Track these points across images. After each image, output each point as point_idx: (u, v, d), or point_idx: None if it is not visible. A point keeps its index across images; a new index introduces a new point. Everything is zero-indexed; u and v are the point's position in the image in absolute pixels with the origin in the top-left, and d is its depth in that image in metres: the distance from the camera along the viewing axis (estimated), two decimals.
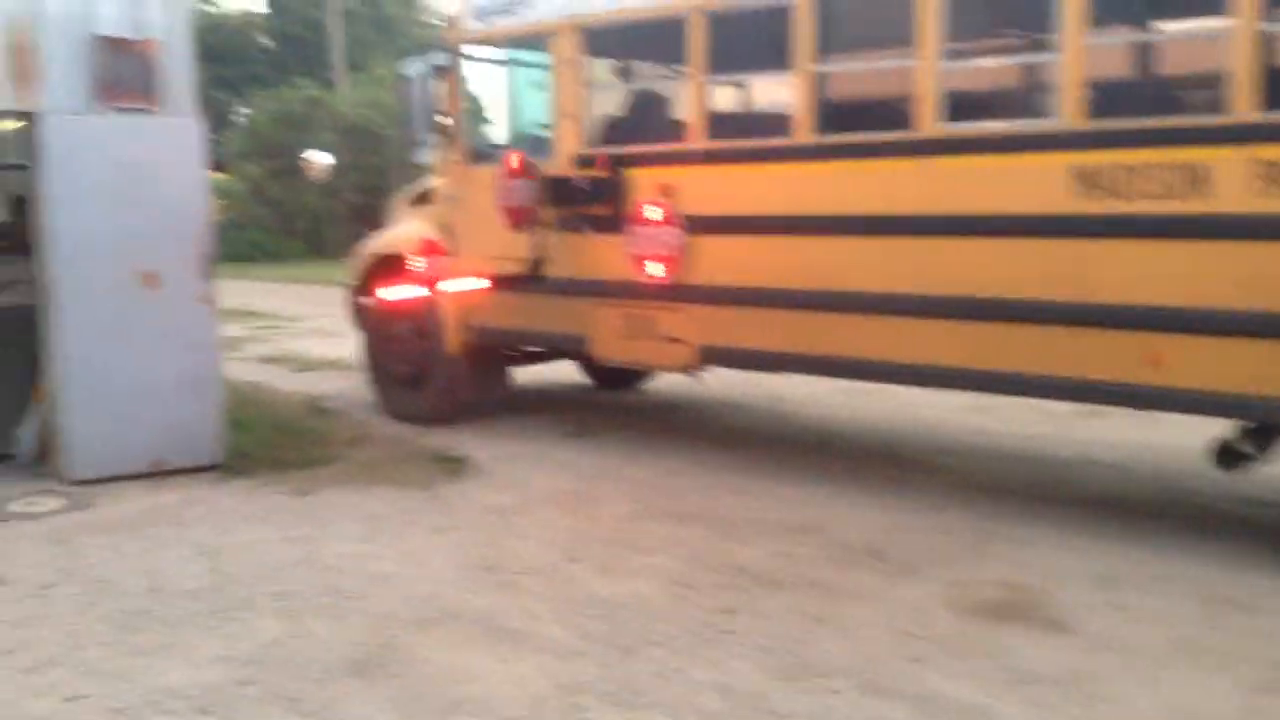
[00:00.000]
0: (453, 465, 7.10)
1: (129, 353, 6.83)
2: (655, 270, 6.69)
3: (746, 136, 6.47)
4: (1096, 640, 4.34)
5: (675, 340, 6.77)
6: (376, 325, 8.56)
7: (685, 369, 6.89)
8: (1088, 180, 5.05)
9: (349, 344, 10.31)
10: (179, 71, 7.05)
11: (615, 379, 9.48)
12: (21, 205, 7.32)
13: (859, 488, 6.43)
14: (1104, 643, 4.32)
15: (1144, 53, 6.20)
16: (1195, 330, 4.84)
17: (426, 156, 8.14)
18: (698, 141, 6.51)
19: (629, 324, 6.98)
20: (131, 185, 6.80)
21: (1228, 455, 5.47)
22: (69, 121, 6.66)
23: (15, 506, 6.33)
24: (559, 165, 7.15)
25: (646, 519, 5.95)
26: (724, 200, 6.40)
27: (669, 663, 4.16)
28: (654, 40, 6.94)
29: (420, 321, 8.20)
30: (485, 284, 7.64)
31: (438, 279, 8.00)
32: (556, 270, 7.20)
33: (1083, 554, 5.28)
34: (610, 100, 7.34)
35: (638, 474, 6.84)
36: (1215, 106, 4.78)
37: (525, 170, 7.09)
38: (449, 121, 7.85)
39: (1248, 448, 5.36)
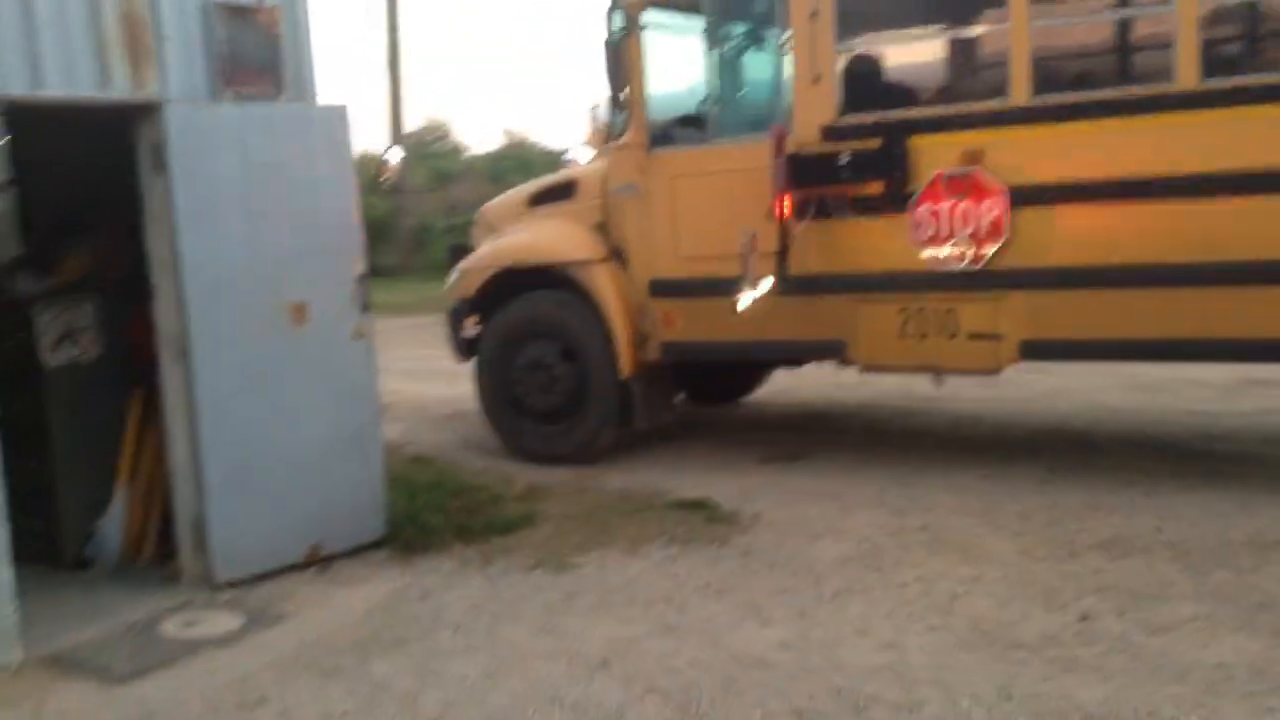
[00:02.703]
0: (706, 512, 5.76)
1: (276, 409, 5.18)
2: (959, 254, 5.59)
3: (1081, 86, 5.46)
4: None
5: (984, 336, 5.69)
6: (501, 351, 7.05)
7: (993, 369, 5.81)
8: None
9: (440, 384, 8.76)
10: (302, 46, 5.44)
11: (712, 392, 8.27)
12: (63, 230, 5.58)
13: (1181, 484, 5.57)
14: None
15: None
16: None
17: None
18: (1023, 97, 5.46)
19: (911, 322, 5.84)
20: (271, 193, 5.16)
21: None
22: (199, 114, 4.97)
23: (172, 629, 4.62)
24: (803, 140, 5.94)
25: (1064, 553, 4.84)
26: (1065, 164, 5.37)
27: None
28: None
29: (570, 340, 6.79)
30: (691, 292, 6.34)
31: (603, 285, 6.64)
32: (804, 266, 5.98)
33: None
34: (862, 61, 6.16)
35: (935, 497, 5.72)
36: None
37: (779, 147, 5.84)
38: (623, 99, 6.49)
39: None
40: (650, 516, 5.77)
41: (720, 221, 6.18)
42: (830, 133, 5.83)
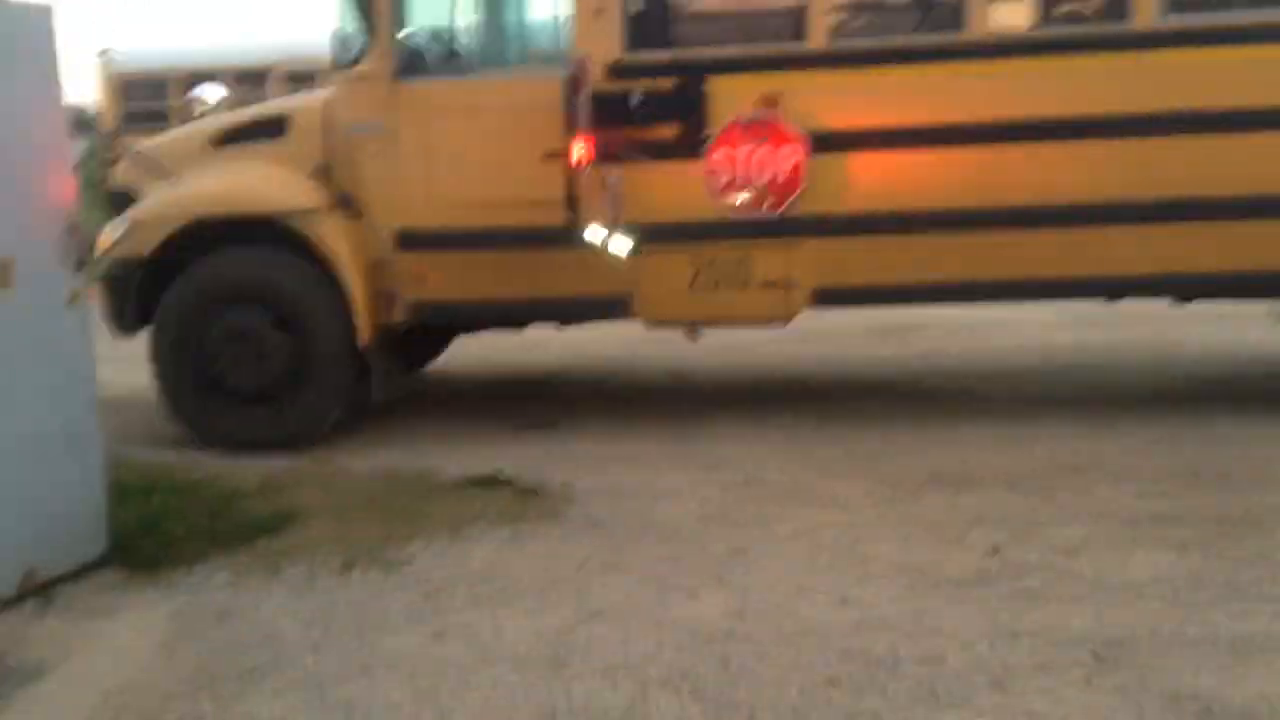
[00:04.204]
0: (507, 487, 5.16)
1: None
2: (757, 201, 5.44)
3: (878, 31, 5.51)
4: None
5: (777, 285, 5.60)
6: (188, 322, 5.89)
7: (785, 318, 5.73)
8: None
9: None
10: None
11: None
12: None
13: (959, 420, 5.89)
14: None
15: None
16: None
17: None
18: (821, 40, 5.39)
19: (702, 273, 5.61)
20: None
21: None
22: None
23: None
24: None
25: (909, 490, 4.86)
26: (862, 111, 5.39)
27: None
28: None
29: (285, 306, 5.82)
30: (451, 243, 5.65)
31: (333, 238, 5.75)
32: (588, 216, 5.53)
33: None
34: None
35: (732, 450, 5.56)
36: None
37: (583, 82, 5.31)
38: (363, 21, 5.61)
39: None
40: (446, 498, 5.07)
41: (489, 164, 5.58)
42: (618, 71, 5.42)
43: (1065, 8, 5.53)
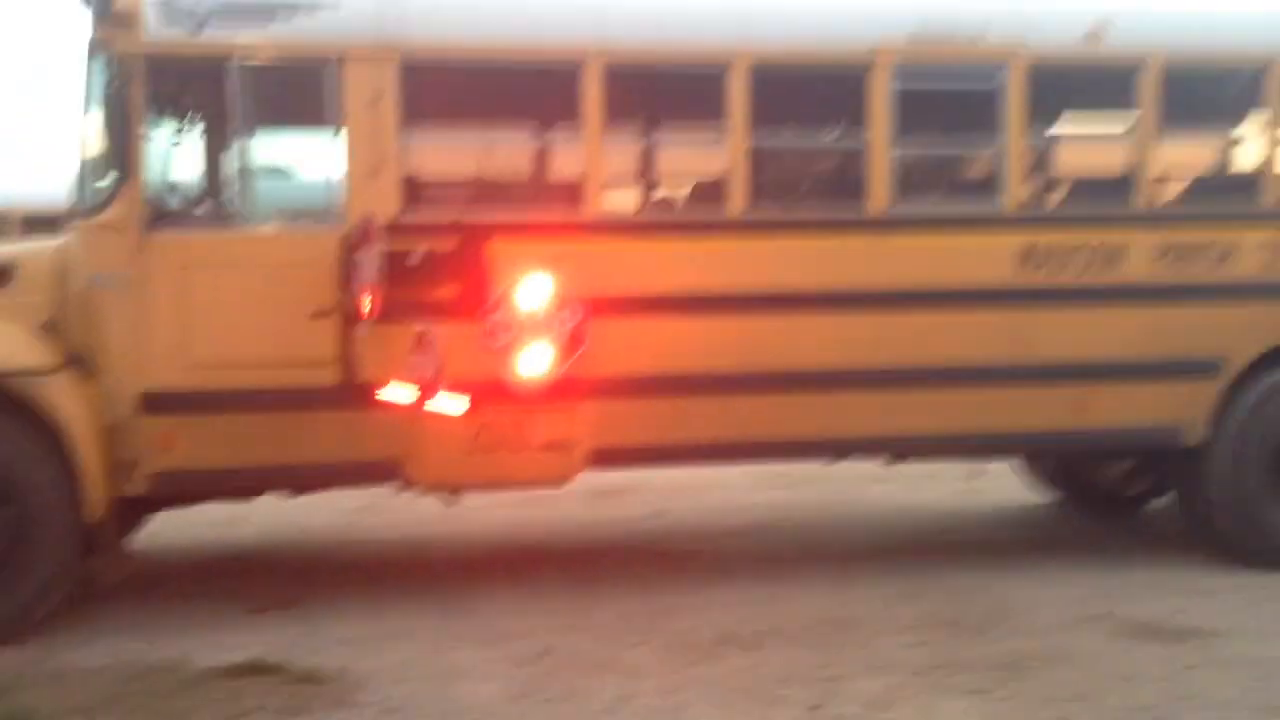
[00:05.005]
0: (277, 674, 4.73)
1: None
2: (538, 364, 5.46)
3: (651, 205, 5.76)
4: None
5: (557, 446, 5.59)
6: None
7: (563, 479, 5.69)
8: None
9: None
10: None
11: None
12: None
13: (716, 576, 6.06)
14: None
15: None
16: None
17: None
18: (596, 210, 5.56)
19: (482, 435, 5.51)
20: None
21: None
22: None
23: None
24: None
25: (701, 652, 4.90)
26: (635, 278, 5.57)
27: None
28: (519, 82, 5.64)
29: None
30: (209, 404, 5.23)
31: (63, 402, 5.18)
32: (360, 375, 5.32)
33: None
34: (429, 153, 5.67)
35: (513, 622, 5.40)
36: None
37: (371, 239, 5.13)
38: (111, 165, 5.18)
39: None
40: (210, 692, 4.56)
41: (251, 321, 5.24)
42: (398, 229, 5.32)
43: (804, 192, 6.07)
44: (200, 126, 5.90)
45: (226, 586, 6.10)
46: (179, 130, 5.75)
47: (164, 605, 5.74)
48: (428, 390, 5.03)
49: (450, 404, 5.19)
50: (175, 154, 5.60)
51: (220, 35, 5.23)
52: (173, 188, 5.56)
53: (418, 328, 5.06)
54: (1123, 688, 4.40)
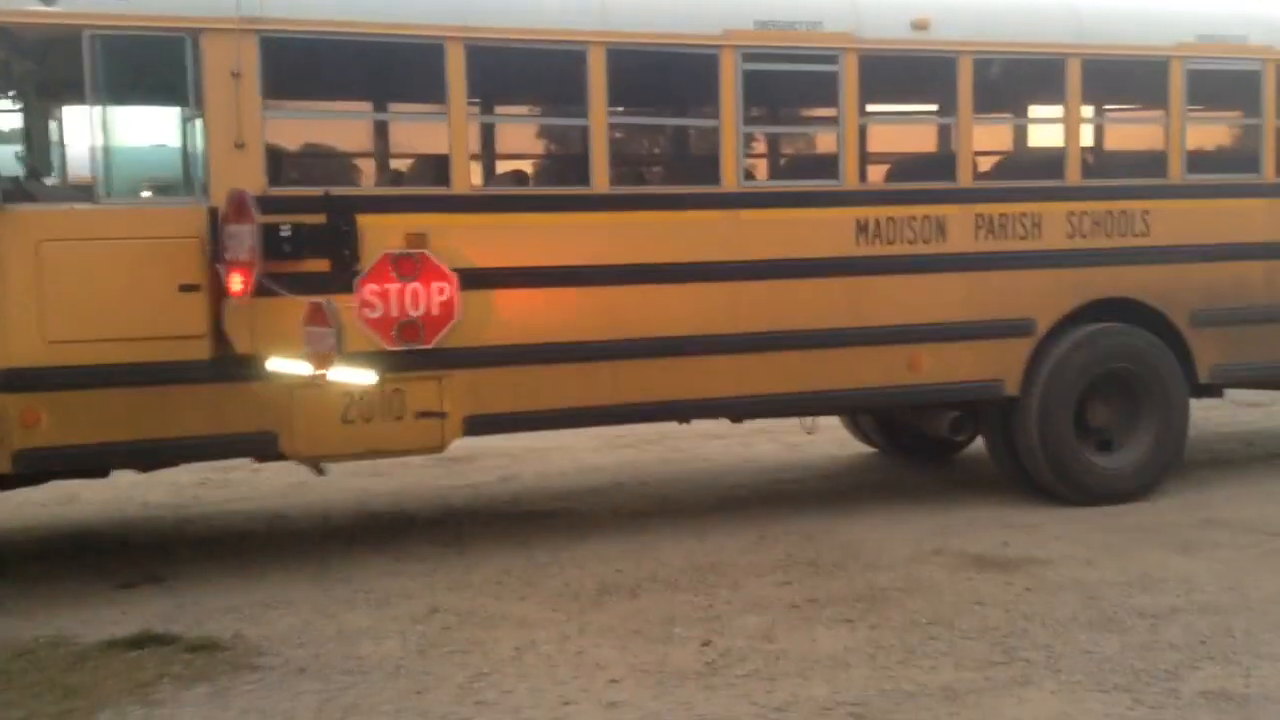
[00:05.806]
0: (171, 643, 4.72)
1: None
2: (409, 335, 5.58)
3: (516, 180, 5.93)
4: None
5: (431, 414, 5.71)
6: None
7: (438, 447, 5.80)
8: None
9: None
10: None
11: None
12: None
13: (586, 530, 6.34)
14: None
15: None
16: None
17: None
18: (465, 186, 5.69)
19: (355, 406, 5.58)
20: None
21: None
22: None
23: None
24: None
25: (586, 603, 5.16)
26: (504, 251, 5.75)
27: None
28: (383, 58, 5.66)
29: None
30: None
31: None
32: (235, 348, 5.32)
33: None
34: (295, 127, 5.63)
35: (390, 583, 5.50)
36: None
37: (246, 213, 5.10)
38: None
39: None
40: (106, 664, 4.53)
41: (116, 297, 5.16)
42: (265, 204, 5.31)
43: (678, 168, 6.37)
44: (57, 99, 5.69)
45: (86, 564, 5.96)
46: (34, 103, 5.53)
47: (24, 585, 5.56)
48: (325, 361, 5.05)
49: (354, 374, 5.22)
50: (30, 127, 5.38)
51: (75, 6, 5.10)
52: (27, 162, 5.35)
53: (313, 299, 5.07)
54: (973, 610, 4.93)
